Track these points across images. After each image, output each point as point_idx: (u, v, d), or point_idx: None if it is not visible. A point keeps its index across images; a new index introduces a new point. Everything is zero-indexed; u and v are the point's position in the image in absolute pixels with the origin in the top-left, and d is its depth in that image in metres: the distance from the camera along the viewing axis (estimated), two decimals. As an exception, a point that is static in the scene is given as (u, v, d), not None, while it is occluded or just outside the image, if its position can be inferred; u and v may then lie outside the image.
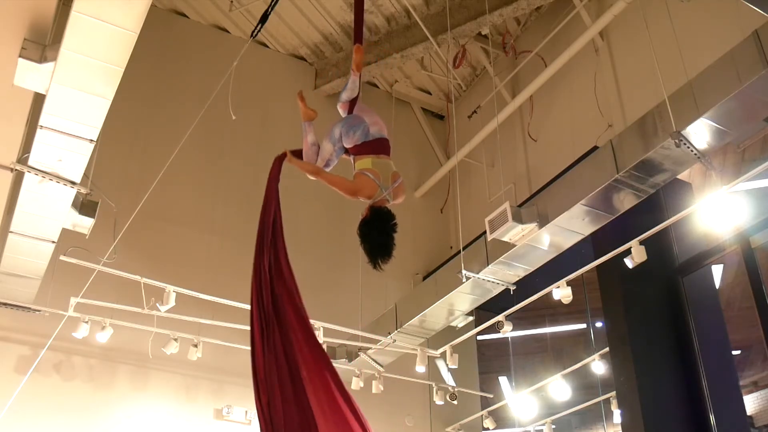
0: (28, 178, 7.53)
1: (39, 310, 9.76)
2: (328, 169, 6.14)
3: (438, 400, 11.73)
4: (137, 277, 9.20)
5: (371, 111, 6.11)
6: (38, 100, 6.98)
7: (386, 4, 12.51)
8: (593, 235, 9.22)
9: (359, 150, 5.83)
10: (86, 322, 9.53)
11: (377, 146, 5.82)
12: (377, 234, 5.47)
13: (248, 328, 10.28)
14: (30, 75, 6.51)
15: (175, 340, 10.05)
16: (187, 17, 12.97)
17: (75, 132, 6.94)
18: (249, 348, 10.45)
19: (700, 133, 7.52)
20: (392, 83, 14.29)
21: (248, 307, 10.06)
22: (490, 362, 14.13)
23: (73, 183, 7.62)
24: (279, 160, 6.32)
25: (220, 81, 7.61)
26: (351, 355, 11.45)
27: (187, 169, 11.55)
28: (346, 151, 5.99)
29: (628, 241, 8.54)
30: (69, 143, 7.06)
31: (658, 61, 8.33)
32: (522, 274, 9.77)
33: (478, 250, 9.83)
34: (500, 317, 10.13)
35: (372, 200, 5.61)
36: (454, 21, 11.77)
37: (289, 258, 11.09)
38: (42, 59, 6.40)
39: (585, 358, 11.01)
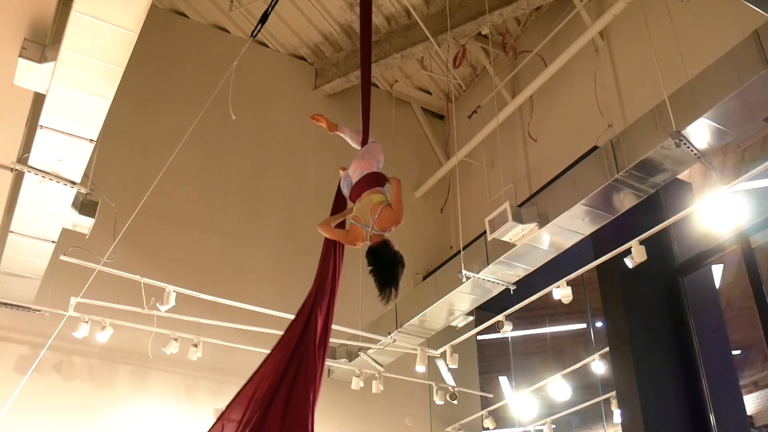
0: (28, 178, 7.51)
1: (39, 310, 9.73)
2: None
3: (438, 400, 11.72)
4: (137, 277, 9.17)
5: (362, 153, 6.39)
6: (38, 100, 6.95)
7: (386, 4, 12.50)
8: (593, 234, 9.21)
9: (352, 200, 6.20)
10: (86, 322, 9.50)
11: (360, 189, 6.06)
12: (378, 273, 5.66)
13: (248, 327, 10.32)
14: (30, 75, 6.49)
15: (175, 340, 10.02)
16: (187, 17, 12.97)
17: (75, 132, 6.92)
18: (249, 348, 10.49)
19: (700, 132, 7.52)
20: (392, 83, 14.28)
21: (248, 306, 10.10)
22: (490, 362, 14.11)
23: (73, 183, 7.59)
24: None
25: (220, 81, 7.60)
26: (351, 355, 11.45)
27: (188, 169, 11.55)
28: None
29: (628, 241, 8.53)
30: (69, 143, 7.04)
31: (658, 61, 8.32)
32: (522, 273, 9.77)
33: (478, 250, 9.83)
34: (500, 317, 10.12)
35: (368, 241, 5.80)
36: (454, 21, 11.77)
37: (292, 257, 11.18)
38: (42, 59, 6.38)
39: (585, 358, 10.99)
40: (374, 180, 6.03)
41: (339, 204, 6.56)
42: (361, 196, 5.99)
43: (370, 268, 5.67)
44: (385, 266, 5.61)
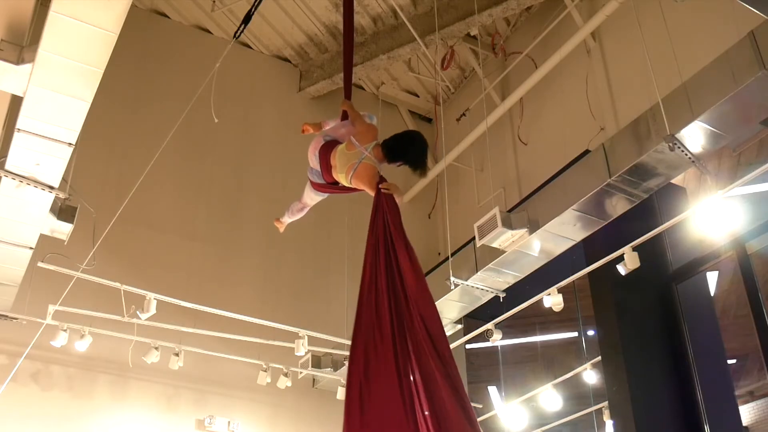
0: (5, 183, 7.47)
1: (16, 318, 9.61)
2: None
3: (426, 410, 11.55)
4: (117, 284, 9.08)
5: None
6: (16, 102, 6.95)
7: (372, 4, 12.38)
8: (585, 241, 9.20)
9: (329, 181, 5.97)
10: (65, 331, 9.42)
11: (327, 168, 5.88)
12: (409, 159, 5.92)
13: (230, 336, 10.19)
14: (7, 77, 6.48)
15: (156, 348, 9.95)
16: (169, 18, 12.82)
17: (53, 135, 6.91)
18: (231, 357, 10.34)
19: (695, 136, 7.50)
20: (378, 85, 14.14)
21: (230, 314, 9.99)
22: (479, 372, 14.02)
23: (51, 187, 7.58)
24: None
25: (202, 83, 7.58)
26: (336, 364, 11.27)
27: (169, 173, 11.45)
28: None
29: (620, 248, 8.41)
30: (47, 147, 7.03)
31: (651, 63, 8.28)
32: (512, 281, 9.80)
33: (466, 257, 9.83)
34: (489, 325, 9.99)
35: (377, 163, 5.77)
36: (442, 21, 11.67)
37: (276, 264, 10.94)
38: (19, 60, 6.39)
39: (576, 367, 10.91)
40: (328, 150, 5.83)
41: (335, 190, 6.20)
42: (333, 173, 5.82)
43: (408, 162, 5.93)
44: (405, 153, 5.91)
